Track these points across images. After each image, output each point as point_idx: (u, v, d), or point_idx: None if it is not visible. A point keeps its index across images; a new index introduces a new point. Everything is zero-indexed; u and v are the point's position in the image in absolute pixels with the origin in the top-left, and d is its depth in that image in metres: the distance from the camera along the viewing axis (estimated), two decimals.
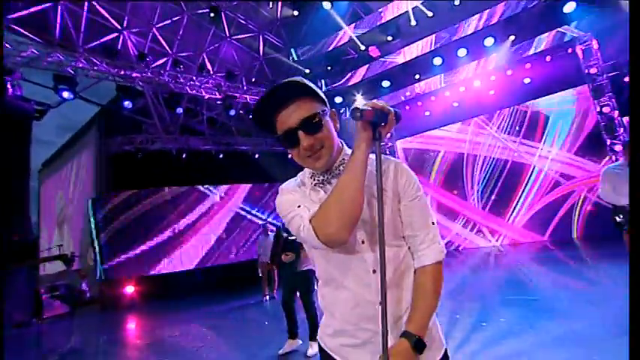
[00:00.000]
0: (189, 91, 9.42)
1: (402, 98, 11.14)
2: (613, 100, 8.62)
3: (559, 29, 8.78)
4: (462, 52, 9.35)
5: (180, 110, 9.18)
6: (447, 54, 9.56)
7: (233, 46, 10.53)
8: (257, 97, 10.38)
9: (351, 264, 0.95)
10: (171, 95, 9.23)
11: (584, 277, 5.34)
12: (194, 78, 9.37)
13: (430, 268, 0.96)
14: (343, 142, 1.06)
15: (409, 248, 0.99)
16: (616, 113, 8.59)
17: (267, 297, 7.08)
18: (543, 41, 9.09)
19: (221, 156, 10.06)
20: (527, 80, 9.67)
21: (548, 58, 9.35)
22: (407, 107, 11.50)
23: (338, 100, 11.08)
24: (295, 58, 10.72)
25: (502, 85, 9.95)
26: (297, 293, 3.80)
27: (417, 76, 10.20)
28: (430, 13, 8.62)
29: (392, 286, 0.93)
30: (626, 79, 8.31)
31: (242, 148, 10.47)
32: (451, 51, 9.49)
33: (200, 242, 10.05)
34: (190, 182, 9.96)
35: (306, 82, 0.93)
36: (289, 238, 3.69)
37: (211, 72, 10.05)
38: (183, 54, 9.92)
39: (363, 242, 0.94)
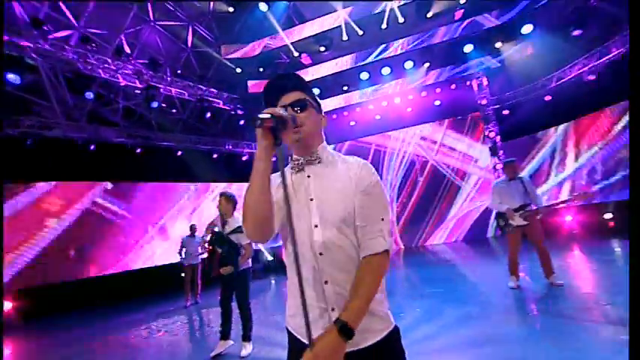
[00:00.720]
0: (102, 75, 8.35)
1: (331, 107, 11.70)
2: (496, 127, 10.53)
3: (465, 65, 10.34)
4: (385, 71, 10.35)
5: (90, 95, 8.06)
6: (372, 70, 10.47)
7: (157, 33, 9.69)
8: (183, 91, 9.79)
9: (303, 247, 1.04)
10: (78, 76, 8.03)
11: (481, 270, 6.38)
12: (109, 61, 8.35)
13: (372, 258, 1.01)
14: (324, 139, 1.20)
15: (357, 238, 1.06)
16: (498, 138, 10.50)
17: (190, 302, 6.67)
18: (451, 71, 10.62)
19: (138, 151, 9.09)
20: (437, 102, 11.12)
21: (453, 86, 10.95)
22: (334, 116, 12.14)
23: None
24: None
25: (418, 104, 11.26)
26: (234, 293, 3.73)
27: (345, 88, 10.88)
28: (361, 32, 9.30)
29: (341, 269, 1.02)
30: (505, 111, 10.27)
31: (163, 144, 9.65)
32: (377, 68, 10.42)
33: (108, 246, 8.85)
34: (98, 177, 8.75)
35: (306, 82, 1.15)
36: (223, 249, 3.60)
37: (131, 57, 9.07)
38: (95, 31, 8.72)
39: (316, 226, 1.04)
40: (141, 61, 9.18)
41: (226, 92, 10.40)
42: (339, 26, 9.49)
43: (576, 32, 7.69)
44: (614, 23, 7.56)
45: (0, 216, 6.43)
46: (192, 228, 6.89)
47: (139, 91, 9.09)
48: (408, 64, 10.13)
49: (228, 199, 3.67)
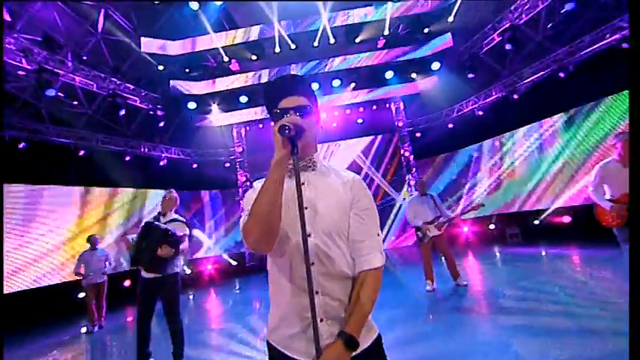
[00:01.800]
0: None
1: (259, 116, 11.57)
2: (410, 147, 11.81)
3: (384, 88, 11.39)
4: (314, 86, 10.74)
5: None
6: None
7: (56, 8, 8.28)
8: (91, 82, 8.54)
9: (295, 255, 1.02)
10: None
11: (401, 277, 6.95)
12: None
13: (371, 272, 1.04)
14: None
15: (351, 253, 1.07)
16: (412, 157, 11.78)
17: (96, 326, 5.68)
18: (373, 93, 11.57)
19: (22, 146, 7.53)
20: (360, 120, 11.95)
21: (374, 107, 11.93)
22: (260, 126, 12.03)
23: (192, 106, 10.44)
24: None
25: (343, 120, 11.90)
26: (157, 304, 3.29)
27: None
28: (293, 46, 9.53)
29: (332, 280, 1.02)
30: (418, 134, 11.61)
31: (58, 140, 8.19)
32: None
33: None
34: None
35: (311, 88, 1.16)
36: (169, 231, 3.14)
37: (12, 28, 7.50)
38: None
39: (309, 235, 1.01)
40: (30, 36, 7.70)
41: (145, 90, 9.42)
42: (273, 37, 9.57)
43: (470, 75, 9.24)
44: (495, 73, 9.34)
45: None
46: (92, 240, 5.88)
47: (23, 73, 7.57)
48: (336, 82, 10.72)
49: (175, 198, 3.50)
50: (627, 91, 6.91)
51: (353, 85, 10.90)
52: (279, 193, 0.95)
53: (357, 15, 9.55)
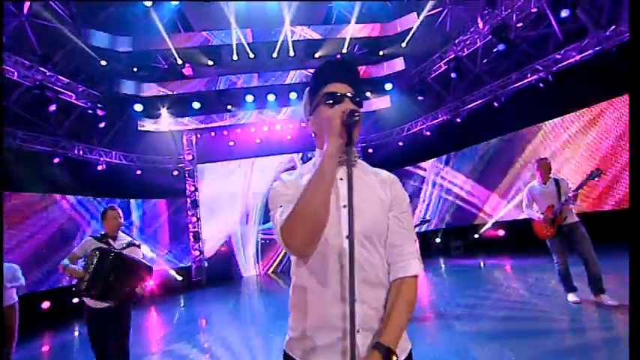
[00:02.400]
0: None
1: (213, 124, 11.14)
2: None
3: None
4: (271, 97, 10.69)
5: None
6: (259, 94, 10.64)
7: None
8: (12, 70, 7.45)
9: (332, 259, 0.93)
10: None
11: None
12: None
13: (410, 279, 0.97)
14: None
15: (387, 258, 1.00)
16: None
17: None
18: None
19: None
20: (314, 134, 12.08)
21: None
22: (212, 133, 11.57)
23: (138, 108, 9.69)
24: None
25: (297, 133, 11.94)
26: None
27: (229, 107, 10.62)
28: (252, 55, 9.42)
29: (370, 287, 0.94)
30: (370, 150, 12.10)
31: None
32: (263, 93, 10.66)
33: None
34: None
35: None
36: (139, 262, 2.81)
37: None
38: None
39: (347, 237, 0.91)
40: None
41: (83, 85, 8.50)
42: (231, 44, 9.37)
43: (420, 97, 9.98)
44: (441, 97, 10.22)
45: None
46: None
47: None
48: (293, 95, 10.80)
49: (121, 216, 3.05)
50: (544, 123, 8.04)
51: None
52: (331, 187, 0.86)
53: (317, 31, 9.81)
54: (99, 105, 8.61)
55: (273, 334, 4.47)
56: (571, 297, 3.89)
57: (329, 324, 0.92)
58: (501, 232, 8.16)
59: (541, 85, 7.75)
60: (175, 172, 10.82)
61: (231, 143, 11.75)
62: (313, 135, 1.08)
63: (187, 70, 10.33)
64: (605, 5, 6.76)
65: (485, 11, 7.94)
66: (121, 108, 9.55)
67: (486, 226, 8.92)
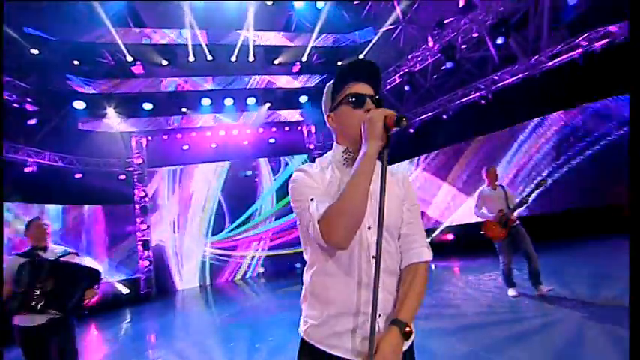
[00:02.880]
0: None
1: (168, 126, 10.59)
2: None
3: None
4: (228, 101, 10.46)
5: None
6: (216, 98, 10.35)
7: None
8: None
9: (356, 248, 0.99)
10: None
11: None
12: None
13: (423, 265, 1.06)
14: None
15: (400, 246, 1.09)
16: None
17: None
18: (286, 114, 11.90)
19: None
20: (272, 140, 12.03)
21: (287, 128, 12.23)
22: (165, 137, 11.00)
23: (79, 105, 8.90)
24: None
25: (255, 139, 11.79)
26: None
27: (184, 109, 10.19)
28: (210, 57, 9.17)
29: (391, 274, 1.03)
30: None
31: None
32: (220, 97, 10.40)
33: None
34: None
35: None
36: (58, 279, 2.48)
37: None
38: None
39: (369, 228, 1.00)
40: None
41: (9, 75, 7.59)
42: (186, 45, 9.03)
43: None
44: (395, 109, 10.73)
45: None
46: None
47: None
48: (251, 100, 10.67)
49: (47, 226, 2.77)
50: (487, 135, 8.90)
51: (268, 104, 11.02)
52: (371, 181, 0.92)
53: (277, 38, 9.86)
54: (28, 99, 7.74)
55: (235, 343, 4.34)
56: (511, 292, 4.33)
57: (353, 309, 0.98)
58: (450, 236, 8.78)
59: (482, 101, 8.57)
60: (122, 177, 10.04)
61: (186, 147, 11.25)
62: (333, 130, 1.13)
63: (138, 69, 9.71)
64: (529, 38, 7.72)
65: (435, 32, 8.61)
66: (58, 104, 8.66)
67: (437, 231, 9.53)
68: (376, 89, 1.07)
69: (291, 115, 11.98)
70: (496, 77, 8.28)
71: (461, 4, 8.35)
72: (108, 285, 9.03)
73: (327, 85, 1.12)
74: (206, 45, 9.00)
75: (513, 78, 8.02)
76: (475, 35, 8.24)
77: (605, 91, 7.04)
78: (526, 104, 8.00)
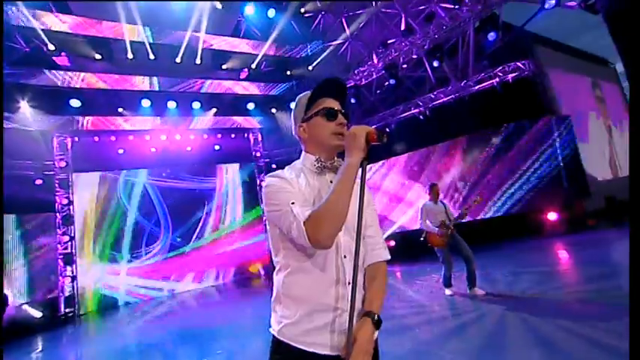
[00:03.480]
0: None
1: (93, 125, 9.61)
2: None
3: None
4: (171, 104, 9.89)
5: None
6: (157, 100, 9.72)
7: None
8: None
9: (330, 248, 1.06)
10: None
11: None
12: None
13: (383, 264, 1.19)
14: None
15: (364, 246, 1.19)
16: None
17: None
18: (233, 121, 11.62)
19: None
20: (217, 147, 11.61)
21: (233, 135, 11.92)
22: (96, 138, 9.99)
23: None
24: None
25: (199, 145, 11.26)
26: None
27: (121, 110, 9.39)
28: (152, 56, 8.62)
29: (361, 271, 1.13)
30: (274, 165, 12.24)
31: None
32: (162, 99, 9.79)
33: None
34: None
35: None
36: None
37: None
38: None
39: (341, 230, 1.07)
40: None
41: None
42: (123, 40, 8.37)
43: None
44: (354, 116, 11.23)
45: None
46: None
47: None
48: (196, 105, 10.23)
49: None
50: (427, 148, 9.69)
51: (214, 110, 10.66)
52: (353, 188, 1.02)
53: (230, 43, 9.66)
54: None
55: None
56: (447, 291, 4.76)
57: (326, 305, 1.04)
58: (392, 243, 9.27)
59: (421, 117, 9.34)
60: (39, 181, 8.79)
61: (121, 151, 10.31)
62: (301, 139, 1.22)
63: (62, 60, 8.67)
64: (459, 64, 8.69)
65: (380, 50, 9.21)
66: None
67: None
68: (343, 105, 1.21)
69: (238, 121, 11.73)
70: (432, 96, 9.10)
71: (402, 27, 9.08)
72: (15, 309, 7.77)
73: (299, 98, 1.22)
74: (149, 43, 8.43)
75: (447, 97, 8.90)
76: (414, 57, 9.00)
77: (520, 114, 8.20)
78: (459, 121, 8.92)
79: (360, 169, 1.04)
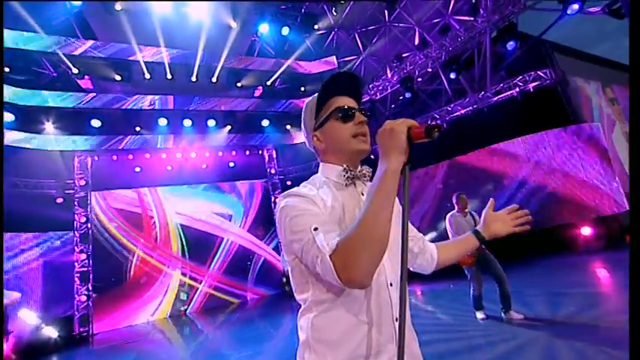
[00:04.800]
0: None
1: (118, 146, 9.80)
2: (281, 194, 12.19)
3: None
4: (187, 122, 10.02)
5: None
6: (173, 119, 9.87)
7: None
8: None
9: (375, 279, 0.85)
10: None
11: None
12: None
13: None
14: None
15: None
16: None
17: None
18: (248, 137, 11.66)
19: None
20: (232, 164, 11.63)
21: (247, 152, 11.94)
22: (114, 157, 10.16)
23: (9, 117, 7.94)
24: None
25: (214, 162, 11.31)
26: None
27: (138, 129, 9.56)
28: (170, 76, 8.81)
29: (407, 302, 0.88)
30: (289, 182, 12.15)
31: None
32: (178, 118, 9.93)
33: None
34: None
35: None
36: None
37: None
38: None
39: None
40: None
41: None
42: (139, 61, 8.59)
43: None
44: None
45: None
46: None
47: None
48: (211, 122, 10.33)
49: None
50: (446, 161, 9.42)
51: (229, 127, 10.74)
52: (394, 203, 0.79)
53: (246, 61, 9.80)
54: None
55: None
56: (479, 314, 4.36)
57: (370, 350, 0.85)
58: None
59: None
60: (60, 200, 8.93)
61: (138, 169, 10.45)
62: (316, 149, 1.03)
63: (85, 83, 9.04)
64: (476, 76, 8.51)
65: (394, 64, 9.15)
66: None
67: None
68: (359, 101, 1.01)
69: (253, 138, 11.77)
70: (449, 108, 8.91)
71: (416, 41, 9.02)
72: (33, 328, 7.72)
73: (307, 103, 1.03)
74: (168, 64, 8.63)
75: (465, 110, 8.68)
76: (430, 70, 8.88)
77: (544, 124, 7.89)
78: (477, 134, 8.64)
79: (402, 177, 0.80)
